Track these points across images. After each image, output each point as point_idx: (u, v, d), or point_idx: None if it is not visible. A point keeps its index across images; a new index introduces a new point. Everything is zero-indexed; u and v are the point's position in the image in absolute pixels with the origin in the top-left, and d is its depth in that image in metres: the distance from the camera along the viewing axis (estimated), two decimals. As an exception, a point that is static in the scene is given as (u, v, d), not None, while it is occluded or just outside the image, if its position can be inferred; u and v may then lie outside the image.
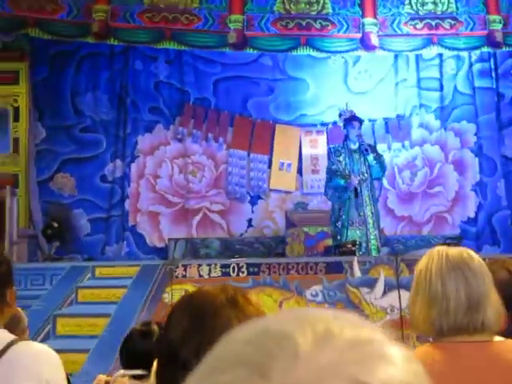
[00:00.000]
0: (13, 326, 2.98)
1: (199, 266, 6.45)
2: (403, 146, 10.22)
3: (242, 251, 9.12)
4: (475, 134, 10.29)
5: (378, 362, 0.56)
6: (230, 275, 6.32)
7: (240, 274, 6.36)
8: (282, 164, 9.96)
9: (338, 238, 7.83)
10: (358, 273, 6.59)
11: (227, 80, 10.08)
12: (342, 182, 7.87)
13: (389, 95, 10.32)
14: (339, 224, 7.86)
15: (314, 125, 10.14)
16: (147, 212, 9.64)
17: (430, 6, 9.76)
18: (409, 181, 10.16)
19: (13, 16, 8.60)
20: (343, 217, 7.85)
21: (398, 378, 0.56)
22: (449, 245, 7.93)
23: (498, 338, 2.26)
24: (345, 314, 0.64)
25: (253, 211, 9.90)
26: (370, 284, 6.58)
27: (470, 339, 2.20)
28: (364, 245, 7.81)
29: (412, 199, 10.11)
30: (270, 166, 10.00)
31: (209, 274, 6.39)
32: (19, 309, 3.11)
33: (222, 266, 6.40)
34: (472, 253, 2.38)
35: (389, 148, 10.14)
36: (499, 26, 9.76)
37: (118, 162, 9.66)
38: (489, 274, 2.35)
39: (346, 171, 7.90)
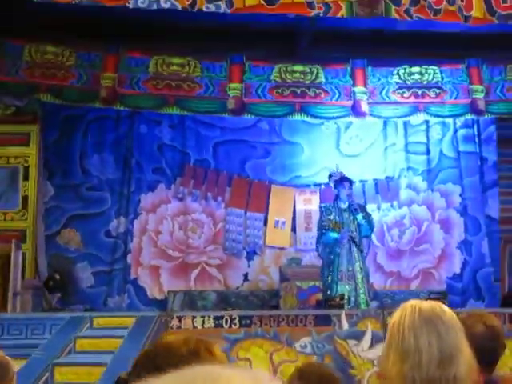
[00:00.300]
0: (1, 374, 3.06)
1: (193, 317, 6.52)
2: (392, 205, 10.42)
3: (237, 303, 9.28)
4: (460, 195, 10.50)
5: None
6: (222, 326, 6.41)
7: (232, 325, 6.43)
8: (277, 222, 10.16)
9: (328, 292, 7.98)
10: (345, 325, 6.66)
11: (226, 143, 10.34)
12: (334, 234, 8.06)
13: (378, 158, 10.56)
14: (329, 279, 8.02)
15: (308, 185, 10.36)
16: (148, 266, 9.82)
17: (417, 76, 10.01)
18: (397, 238, 10.34)
19: (26, 82, 8.88)
20: (333, 272, 8.00)
21: None
22: (433, 299, 8.04)
23: None
24: (254, 373, 0.67)
25: (249, 266, 10.08)
26: (358, 336, 6.66)
27: None
28: (353, 299, 7.95)
29: (400, 256, 10.28)
30: (265, 224, 10.21)
31: (202, 325, 6.46)
32: (8, 358, 3.15)
33: (215, 318, 6.48)
34: (444, 306, 2.34)
35: (378, 208, 10.34)
36: (481, 95, 10.00)
37: (122, 218, 9.88)
38: (461, 327, 2.30)
39: (343, 230, 8.09)
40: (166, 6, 6.60)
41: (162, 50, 9.64)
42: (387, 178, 10.50)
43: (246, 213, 10.19)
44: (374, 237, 10.08)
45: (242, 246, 10.12)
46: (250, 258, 10.12)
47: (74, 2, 6.82)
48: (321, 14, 6.66)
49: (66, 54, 9.17)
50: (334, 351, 6.52)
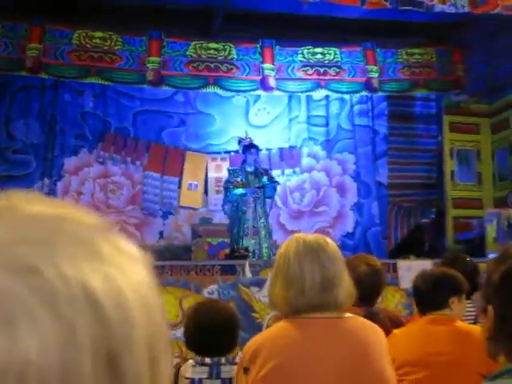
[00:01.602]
0: None
1: None
2: (294, 171, 10.31)
3: (154, 258, 8.91)
4: (354, 163, 10.47)
5: (65, 245, 0.40)
6: None
7: None
8: (190, 185, 9.88)
9: (235, 246, 7.75)
10: (249, 274, 6.55)
11: (145, 113, 9.99)
12: (239, 190, 7.82)
13: (283, 129, 10.43)
14: (236, 234, 7.78)
15: (219, 152, 10.12)
16: (71, 224, 9.32)
17: (319, 56, 9.88)
18: (298, 201, 10.24)
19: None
20: (240, 228, 7.78)
21: (90, 270, 0.40)
22: None
23: (348, 315, 2.23)
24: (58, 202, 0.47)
25: (164, 224, 9.79)
26: (260, 284, 6.56)
27: (323, 315, 2.15)
28: (257, 252, 7.76)
29: (301, 216, 10.18)
30: (179, 187, 9.92)
31: None
32: None
33: None
34: (328, 239, 2.33)
35: (282, 173, 10.20)
36: (376, 75, 9.93)
37: (46, 180, 9.42)
38: (341, 258, 2.29)
39: (244, 184, 7.86)
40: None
41: (85, 24, 9.10)
42: (290, 147, 10.37)
43: (162, 176, 9.89)
44: (277, 199, 9.94)
45: (158, 207, 9.82)
46: (165, 217, 9.83)
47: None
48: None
49: (-8, 25, 8.53)
50: (238, 297, 6.41)
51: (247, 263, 6.49)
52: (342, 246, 9.86)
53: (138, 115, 9.91)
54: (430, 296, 2.94)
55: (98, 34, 9.14)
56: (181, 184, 9.88)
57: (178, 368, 2.95)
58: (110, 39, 9.17)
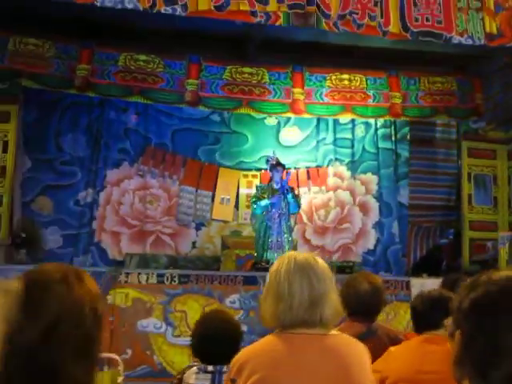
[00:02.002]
0: None
1: (139, 274, 6.41)
2: (320, 190, 10.43)
3: (185, 266, 9.20)
4: (377, 184, 10.58)
5: None
6: (164, 283, 6.30)
7: (172, 282, 6.34)
8: (223, 199, 10.10)
9: (260, 258, 7.94)
10: (269, 285, 6.61)
11: (183, 131, 10.25)
12: (264, 202, 8.02)
13: (311, 150, 10.58)
14: (260, 247, 7.98)
15: (251, 169, 10.33)
16: (110, 231, 9.67)
17: (346, 82, 10.03)
18: (323, 218, 10.36)
19: (10, 68, 8.63)
20: (265, 241, 7.97)
21: None
22: (344, 268, 7.99)
23: (333, 332, 2.22)
24: None
25: (197, 235, 10.02)
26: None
27: (309, 332, 2.14)
28: None
29: (325, 232, 10.31)
30: (212, 200, 10.14)
31: (146, 281, 6.36)
32: None
33: (158, 275, 6.38)
34: (318, 258, 2.30)
35: (309, 191, 10.34)
36: (399, 101, 10.08)
37: (90, 190, 9.73)
38: (331, 276, 2.26)
39: (275, 207, 8.05)
40: (130, 6, 6.43)
41: (130, 47, 9.44)
42: (318, 166, 10.50)
43: (196, 190, 10.11)
44: (303, 215, 10.12)
45: (192, 219, 10.03)
46: (198, 228, 10.06)
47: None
48: (262, 22, 6.53)
49: (46, 46, 8.92)
50: (258, 307, 6.44)
51: (267, 275, 6.54)
52: (363, 262, 10.06)
53: (176, 133, 10.19)
54: (426, 316, 2.97)
55: (142, 56, 9.46)
56: (214, 198, 10.11)
57: (182, 374, 2.99)
58: (153, 62, 9.46)
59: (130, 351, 6.13)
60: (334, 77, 10.02)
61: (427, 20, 7.09)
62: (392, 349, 2.95)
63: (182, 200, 9.98)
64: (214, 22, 7.54)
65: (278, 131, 10.51)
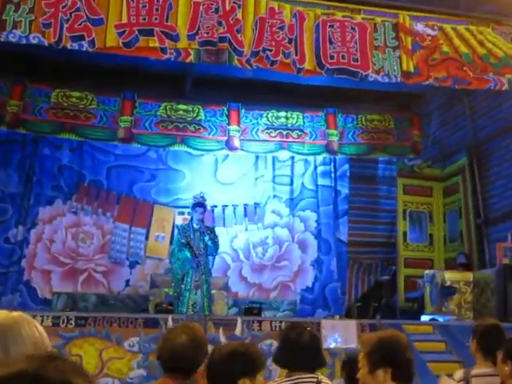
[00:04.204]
0: None
1: (33, 316, 5.92)
2: (258, 227, 10.10)
3: (115, 306, 8.79)
4: (316, 221, 10.29)
5: None
6: (59, 326, 5.85)
7: (68, 325, 5.88)
8: (157, 236, 9.73)
9: (180, 298, 7.51)
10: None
11: (118, 167, 9.97)
12: (188, 254, 7.62)
13: (249, 187, 10.28)
14: (182, 287, 7.56)
15: (187, 207, 9.81)
16: (41, 270, 9.26)
17: (283, 120, 9.88)
18: (261, 255, 10.05)
19: None
20: (185, 282, 7.55)
21: None
22: (251, 309, 7.53)
23: None
24: None
25: (131, 273, 9.63)
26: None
27: None
28: (199, 305, 7.50)
29: (263, 270, 9.95)
30: (147, 238, 9.72)
31: (41, 323, 5.89)
32: None
33: (53, 318, 5.90)
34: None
35: (246, 229, 10.02)
36: (336, 138, 9.87)
37: (21, 227, 9.36)
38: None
39: (194, 247, 7.66)
40: (34, 41, 6.11)
41: (63, 84, 9.16)
42: (255, 203, 10.22)
43: (130, 227, 9.74)
44: (240, 253, 9.77)
45: (126, 256, 9.64)
46: (132, 266, 9.70)
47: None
48: (172, 58, 6.25)
49: (-25, 82, 8.61)
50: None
51: (170, 317, 6.14)
52: (302, 300, 9.66)
53: (111, 169, 9.86)
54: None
55: (75, 93, 9.22)
56: (148, 235, 9.73)
57: None
58: (86, 99, 9.25)
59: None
60: (270, 114, 9.88)
61: (343, 58, 6.86)
62: None
63: (116, 237, 9.62)
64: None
65: (216, 168, 10.19)
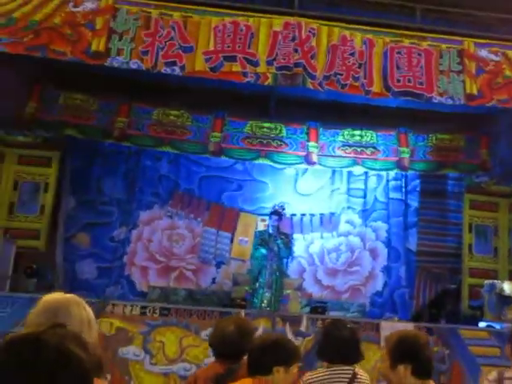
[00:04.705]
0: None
1: (124, 305, 6.78)
2: (332, 235, 10.88)
3: (201, 300, 9.79)
4: (387, 231, 10.96)
5: None
6: (146, 315, 6.67)
7: (154, 314, 6.67)
8: (241, 240, 10.66)
9: (254, 295, 8.42)
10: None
11: (209, 178, 11.01)
12: (264, 251, 8.56)
13: (326, 198, 11.10)
14: (257, 285, 8.47)
15: (268, 214, 10.85)
16: (140, 266, 10.40)
17: (357, 138, 10.56)
18: (334, 260, 10.79)
19: (58, 120, 9.63)
20: (260, 280, 8.47)
21: None
22: (316, 308, 8.32)
23: None
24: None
25: (217, 272, 10.62)
26: (252, 331, 6.98)
27: None
28: (271, 301, 8.38)
29: (336, 274, 10.70)
30: (232, 241, 10.74)
31: (131, 312, 6.70)
32: None
33: (142, 308, 6.72)
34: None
35: (321, 236, 10.82)
36: (407, 155, 10.48)
37: (124, 228, 10.54)
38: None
39: (268, 249, 8.61)
40: (134, 66, 7.20)
41: (163, 103, 10.32)
42: (331, 213, 11.00)
43: (218, 231, 10.75)
44: (316, 257, 10.57)
45: (213, 257, 10.66)
46: (218, 266, 10.69)
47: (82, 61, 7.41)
48: (252, 81, 7.19)
49: (90, 101, 9.88)
50: None
51: (242, 311, 6.82)
52: (371, 303, 10.36)
53: (203, 179, 10.98)
54: (257, 361, 2.90)
55: (173, 112, 10.35)
56: (233, 239, 10.77)
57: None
58: (182, 116, 10.34)
59: (109, 376, 6.43)
60: (346, 132, 10.60)
61: (409, 81, 7.61)
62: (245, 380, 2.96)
63: (205, 240, 10.67)
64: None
65: (296, 180, 11.08)
